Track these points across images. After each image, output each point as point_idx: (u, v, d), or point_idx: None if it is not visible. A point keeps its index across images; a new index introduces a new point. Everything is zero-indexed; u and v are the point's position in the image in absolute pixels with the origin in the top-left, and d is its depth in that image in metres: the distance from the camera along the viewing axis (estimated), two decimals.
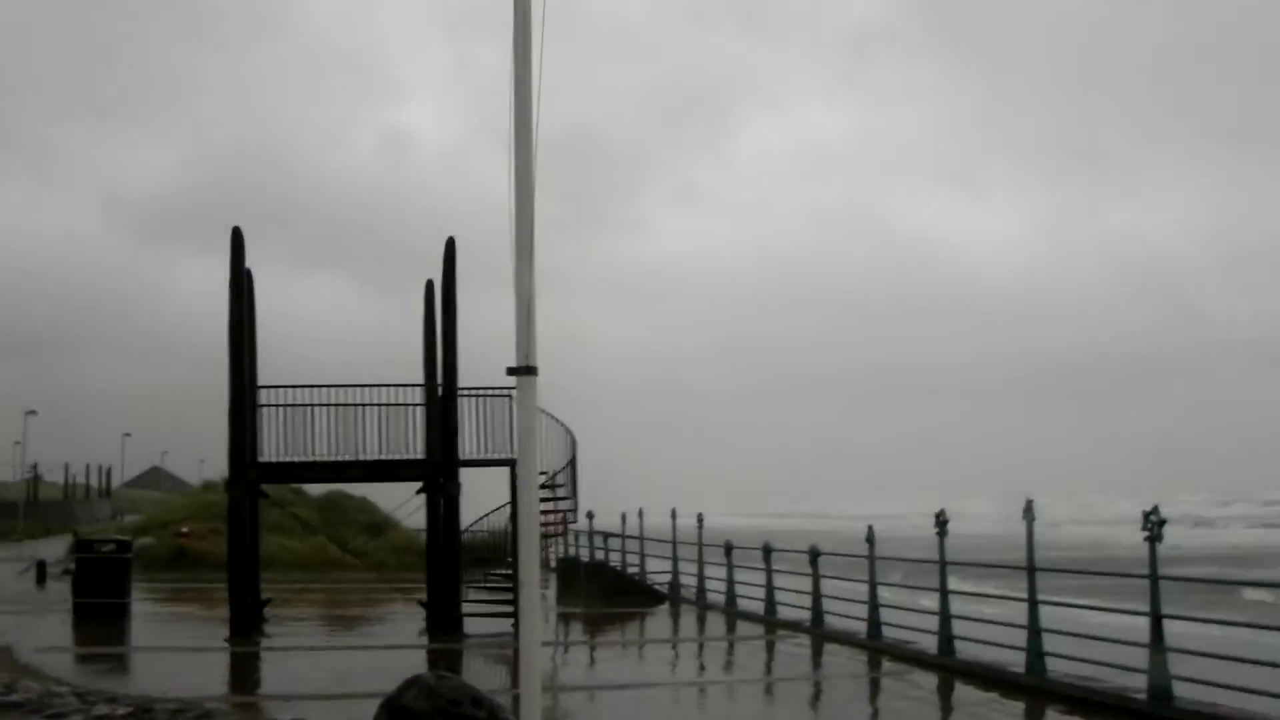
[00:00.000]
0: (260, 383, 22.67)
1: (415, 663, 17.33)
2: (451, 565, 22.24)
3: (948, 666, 16.99)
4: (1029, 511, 15.35)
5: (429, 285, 23.14)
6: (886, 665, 18.02)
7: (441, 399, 22.21)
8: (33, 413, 73.97)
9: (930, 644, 17.94)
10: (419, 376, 22.96)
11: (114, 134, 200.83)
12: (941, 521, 17.54)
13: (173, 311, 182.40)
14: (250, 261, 22.33)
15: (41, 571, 36.70)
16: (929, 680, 16.62)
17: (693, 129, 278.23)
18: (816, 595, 21.98)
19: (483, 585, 23.89)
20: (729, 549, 26.19)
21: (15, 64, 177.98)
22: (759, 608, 24.40)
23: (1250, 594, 26.17)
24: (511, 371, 8.33)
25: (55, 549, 50.73)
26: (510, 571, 21.41)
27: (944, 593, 17.72)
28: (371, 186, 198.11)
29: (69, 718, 12.69)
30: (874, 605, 19.88)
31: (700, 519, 27.24)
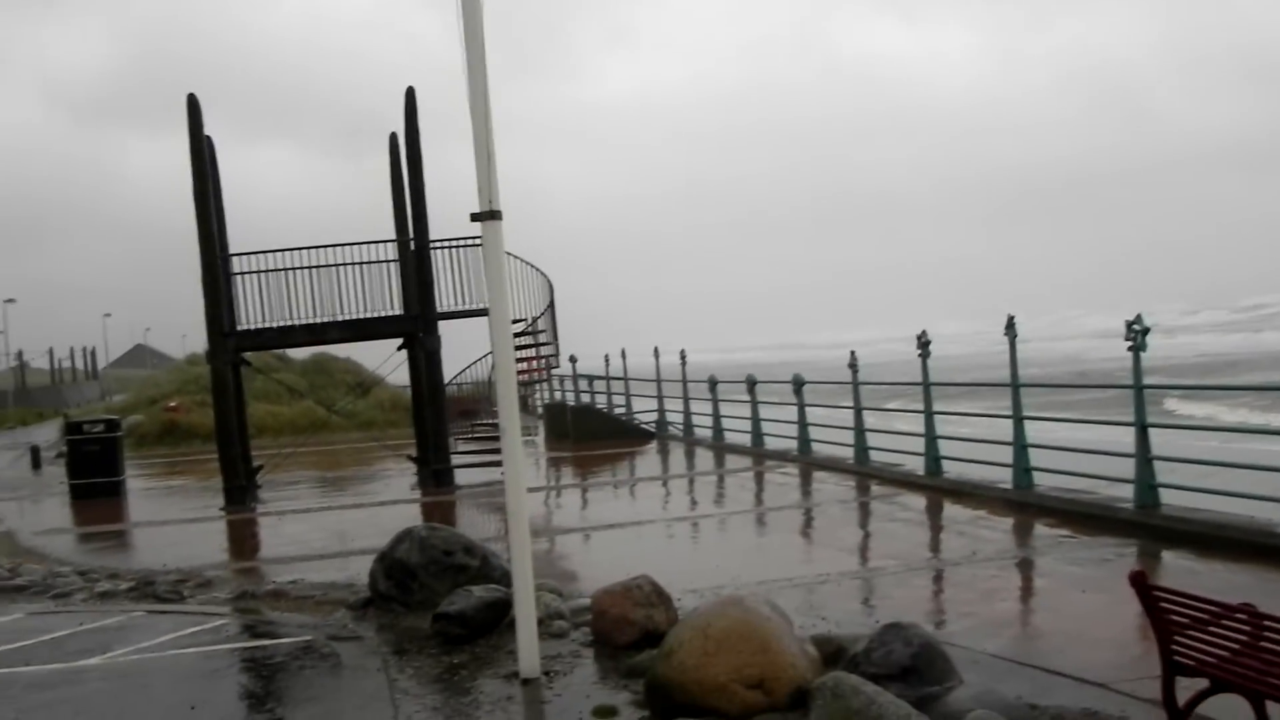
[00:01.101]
0: (232, 251, 22.48)
1: (409, 517, 17.52)
2: (438, 419, 22.38)
3: (936, 487, 17.25)
4: (1010, 328, 15.39)
5: (392, 138, 22.84)
6: (875, 489, 18.27)
7: (414, 253, 22.08)
8: (11, 300, 73.57)
9: (918, 466, 18.18)
10: (390, 234, 22.74)
11: (43, 19, 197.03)
12: (924, 343, 17.61)
13: (132, 191, 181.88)
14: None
15: (36, 456, 36.88)
16: (918, 501, 16.88)
17: None
18: (802, 424, 22.22)
19: (471, 436, 24.07)
20: (713, 383, 26.38)
21: None
22: (746, 440, 24.69)
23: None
24: (475, 218, 8.30)
25: (47, 433, 50.87)
26: (495, 420, 21.55)
27: (929, 414, 17.90)
28: (305, 49, 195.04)
29: (74, 595, 12.91)
30: (860, 431, 20.10)
31: (683, 355, 27.38)
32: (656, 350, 28.93)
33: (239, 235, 23.33)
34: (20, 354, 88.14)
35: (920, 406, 18.35)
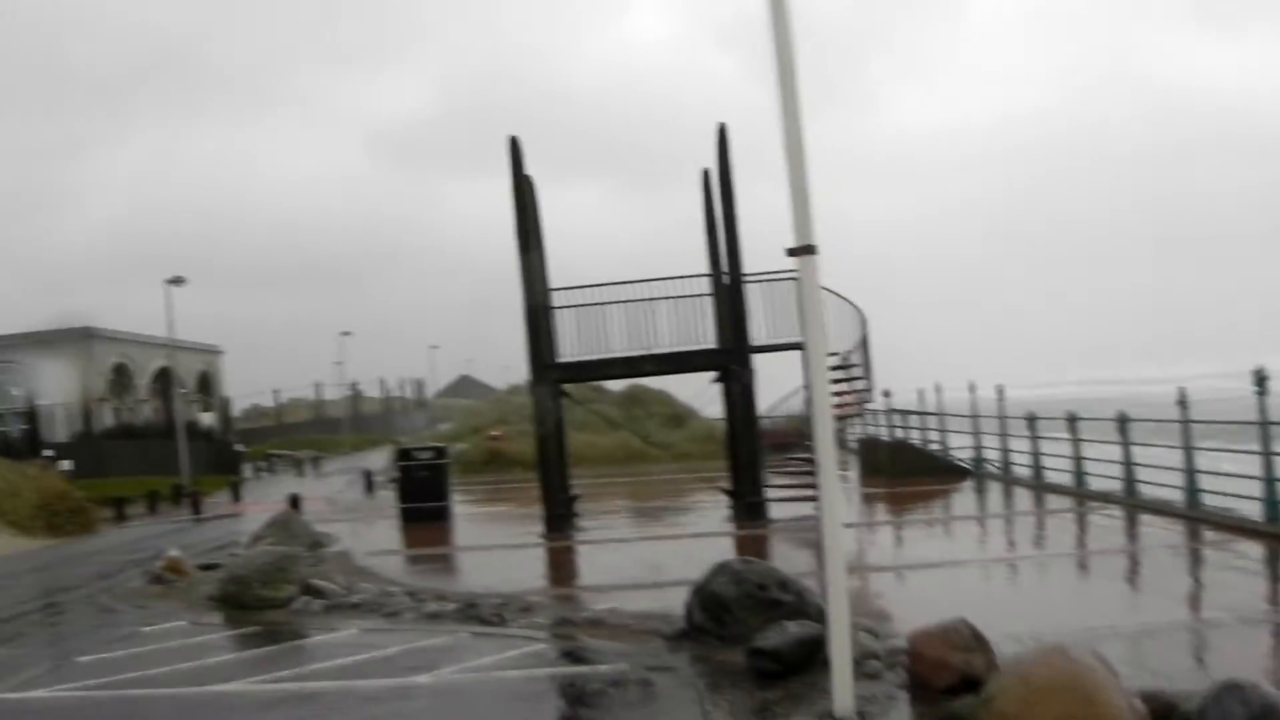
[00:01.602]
0: (551, 286, 23.17)
1: (722, 549, 17.56)
2: (752, 452, 22.42)
3: (1277, 535, 16.11)
4: None
5: (704, 174, 23.10)
6: (1208, 535, 17.22)
7: (728, 287, 22.24)
8: (347, 334, 78.04)
9: (1255, 510, 17.04)
10: (700, 268, 22.96)
11: (367, 76, 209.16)
12: (1260, 379, 16.57)
13: (452, 231, 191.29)
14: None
15: (369, 481, 39.02)
16: (1255, 549, 15.78)
17: None
18: (1127, 464, 21.21)
19: (784, 470, 24.02)
20: (1032, 420, 25.52)
21: (270, 26, 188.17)
22: (1067, 480, 23.73)
23: None
24: (791, 252, 8.27)
25: (379, 459, 53.63)
26: (809, 455, 21.41)
27: (1267, 455, 16.78)
28: (609, 93, 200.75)
29: (403, 615, 13.51)
30: (1190, 472, 19.02)
31: (1000, 391, 26.61)
32: (972, 385, 28.24)
33: (555, 264, 24.06)
34: (355, 384, 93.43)
35: (1256, 447, 17.21)
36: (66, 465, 38.37)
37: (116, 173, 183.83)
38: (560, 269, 23.37)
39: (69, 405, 61.18)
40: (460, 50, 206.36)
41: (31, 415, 45.11)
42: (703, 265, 23.01)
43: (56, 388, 63.01)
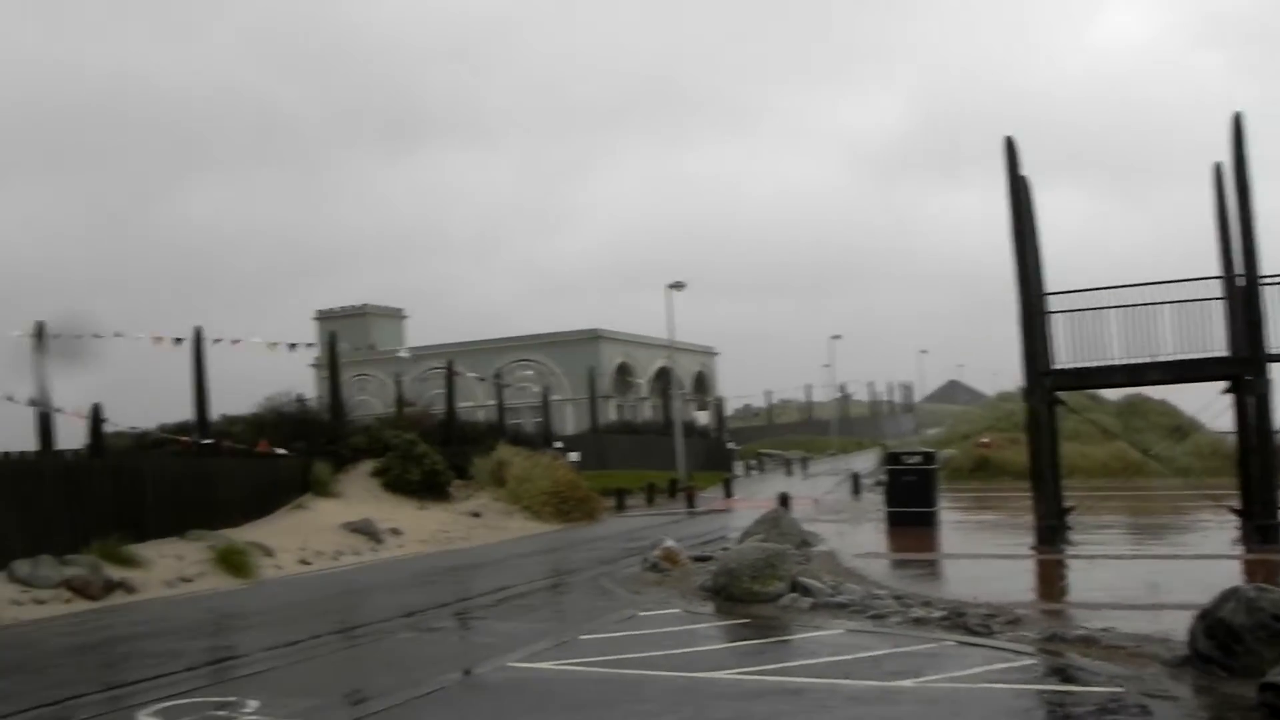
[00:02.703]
0: (1046, 290, 22.43)
1: (1229, 574, 16.40)
2: (1266, 469, 20.78)
3: None
4: None
5: (1216, 169, 21.69)
6: None
7: (1242, 289, 20.72)
8: (837, 337, 78.89)
9: None
10: (1205, 271, 21.54)
11: (840, 93, 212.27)
12: None
13: (933, 236, 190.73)
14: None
15: (856, 483, 39.33)
16: None
17: None
18: None
19: None
20: None
21: (756, 48, 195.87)
22: None
23: None
24: None
25: (864, 462, 53.87)
26: None
27: None
28: (1086, 95, 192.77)
29: (889, 618, 13.51)
30: None
31: None
32: None
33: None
34: (843, 386, 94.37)
35: None
36: (574, 457, 40.94)
37: (613, 191, 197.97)
38: (1048, 273, 22.57)
39: (576, 401, 65.38)
40: (931, 63, 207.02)
41: (545, 410, 48.46)
42: (1207, 267, 21.60)
43: (567, 385, 67.53)
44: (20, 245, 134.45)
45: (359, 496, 30.28)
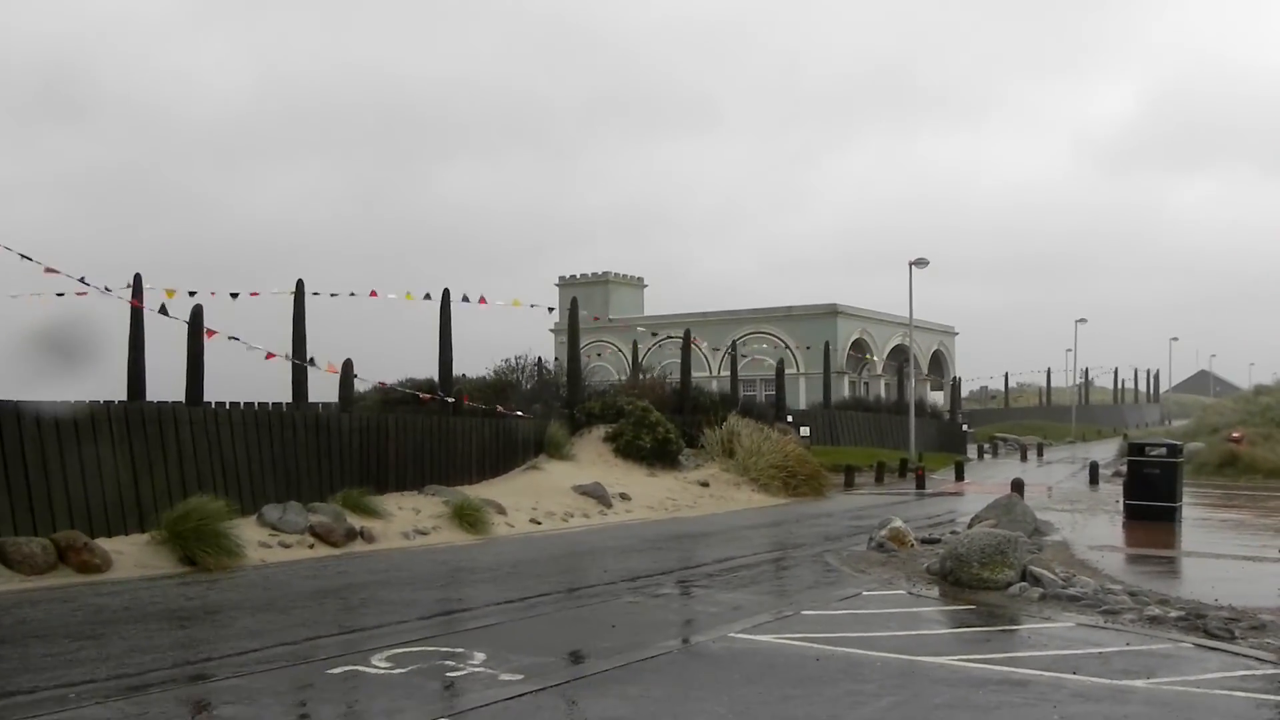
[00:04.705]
0: None
1: None
2: None
3: None
4: None
5: None
6: None
7: None
8: (1082, 321, 76.48)
9: None
10: None
11: (1074, 84, 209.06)
12: None
13: (1177, 225, 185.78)
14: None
15: (1094, 473, 38.13)
16: None
17: None
18: None
19: None
20: None
21: (988, 39, 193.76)
22: None
23: None
24: None
25: (1105, 450, 52.15)
26: None
27: None
28: None
29: (1122, 614, 13.09)
30: None
31: None
32: None
33: None
34: (1086, 372, 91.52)
35: None
36: (805, 432, 40.82)
37: (845, 177, 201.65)
38: None
39: (810, 376, 65.08)
40: (1158, 53, 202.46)
41: (778, 383, 48.43)
42: None
43: (801, 359, 67.28)
44: (296, 219, 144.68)
45: (590, 460, 30.85)
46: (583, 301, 47.29)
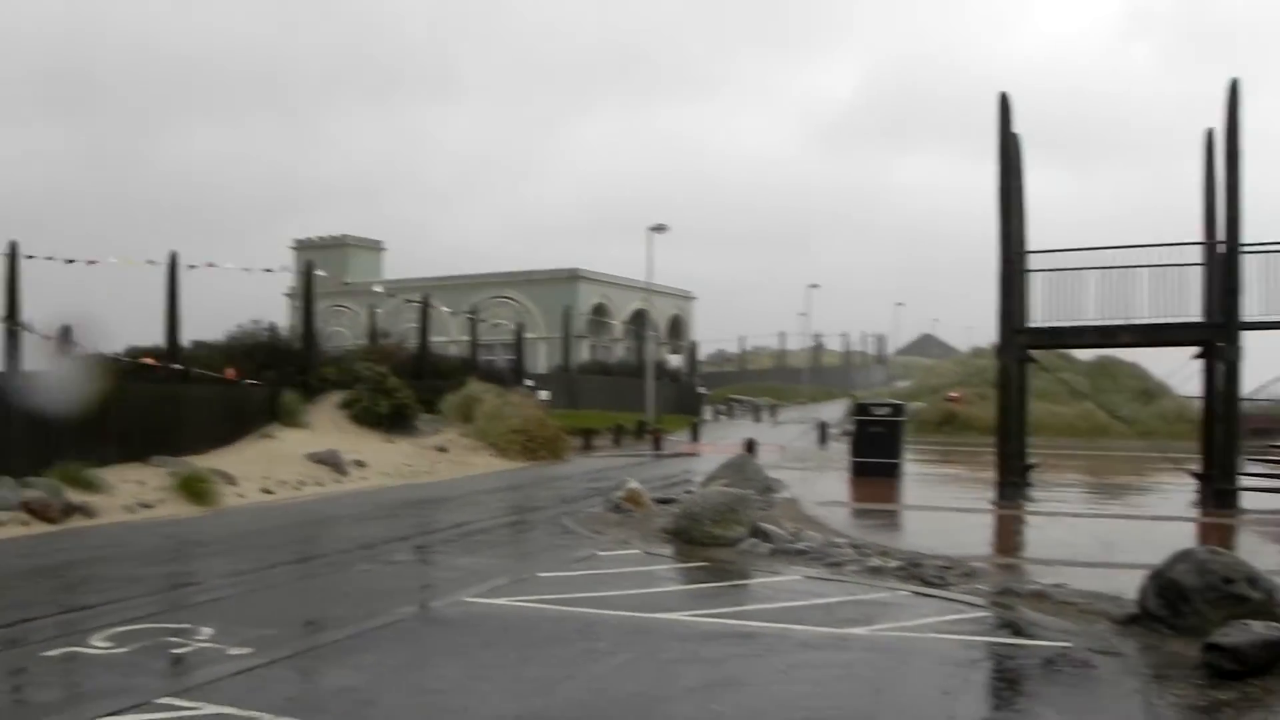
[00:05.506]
0: (1027, 248, 22.41)
1: (1183, 536, 16.61)
2: (1228, 435, 20.97)
3: None
4: None
5: (1208, 135, 21.71)
6: None
7: (1221, 257, 20.78)
8: (815, 286, 79.09)
9: None
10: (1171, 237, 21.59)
11: (801, 63, 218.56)
12: None
13: (907, 197, 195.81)
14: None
15: (823, 432, 39.49)
16: None
17: None
18: None
19: (1264, 458, 22.37)
20: None
21: (722, 16, 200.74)
22: None
23: None
24: None
25: (835, 411, 54.03)
26: None
27: None
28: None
29: (846, 566, 13.60)
30: None
31: None
32: None
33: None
34: (818, 336, 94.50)
35: None
36: (545, 395, 40.94)
37: (586, 146, 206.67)
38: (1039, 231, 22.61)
39: (551, 340, 65.32)
40: (882, 40, 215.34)
41: (518, 347, 48.42)
42: (1179, 235, 21.65)
43: (541, 323, 67.42)
44: (19, 180, 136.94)
45: (326, 428, 30.23)
46: (320, 266, 46.15)
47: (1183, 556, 10.19)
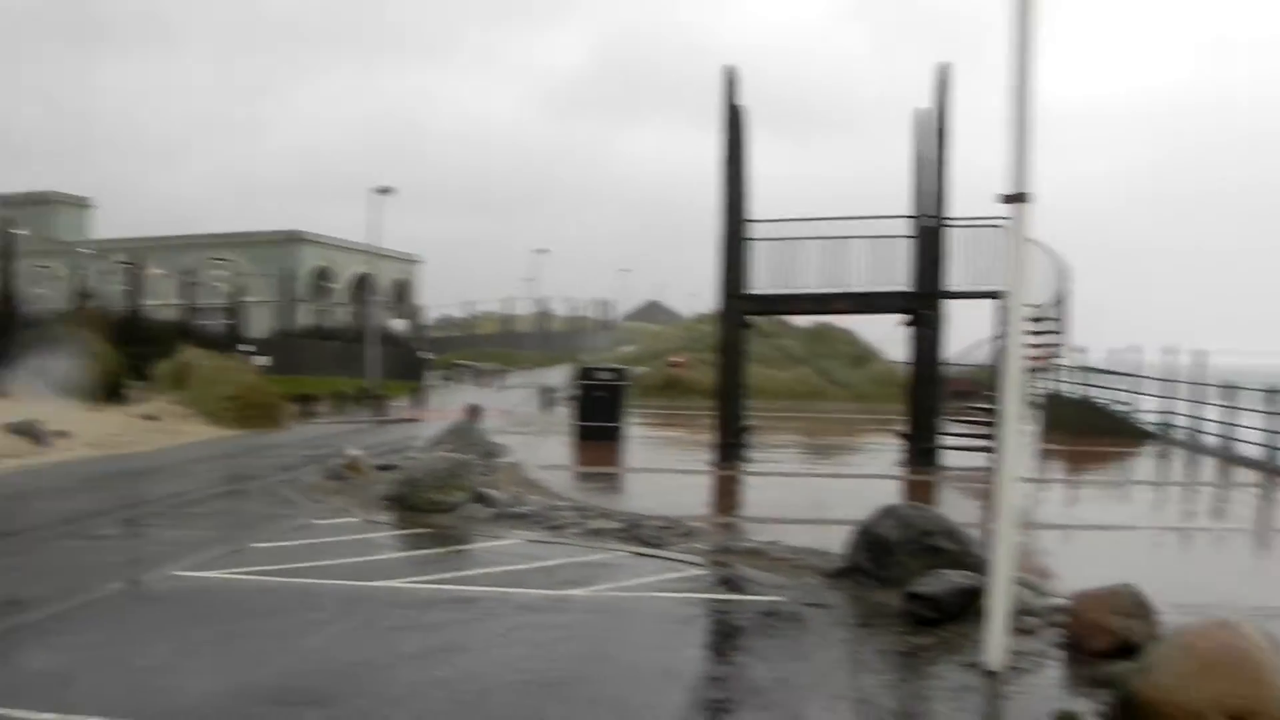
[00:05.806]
0: (750, 218, 22.90)
1: (889, 492, 17.39)
2: (931, 397, 22.03)
3: None
4: None
5: (916, 114, 22.59)
6: None
7: (929, 230, 21.74)
8: (543, 251, 79.22)
9: None
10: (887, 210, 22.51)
11: (529, 33, 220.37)
12: None
13: (627, 167, 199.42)
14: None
15: (547, 397, 39.62)
16: None
17: None
18: None
19: (962, 419, 23.57)
20: (1230, 389, 24.54)
21: None
22: (1259, 454, 22.79)
23: None
24: (1006, 199, 7.99)
25: (560, 376, 54.28)
26: (990, 405, 20.93)
27: None
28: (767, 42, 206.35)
29: (567, 529, 13.69)
30: None
31: (1200, 356, 25.65)
32: (1170, 349, 27.27)
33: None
34: (545, 301, 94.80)
35: None
36: (263, 361, 39.74)
37: (310, 105, 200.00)
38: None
39: (271, 304, 63.48)
40: (611, 13, 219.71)
41: (234, 311, 46.82)
42: (891, 208, 22.57)
43: (261, 286, 65.43)
44: None
45: (25, 396, 28.59)
46: (22, 222, 43.59)
47: (887, 512, 10.65)
